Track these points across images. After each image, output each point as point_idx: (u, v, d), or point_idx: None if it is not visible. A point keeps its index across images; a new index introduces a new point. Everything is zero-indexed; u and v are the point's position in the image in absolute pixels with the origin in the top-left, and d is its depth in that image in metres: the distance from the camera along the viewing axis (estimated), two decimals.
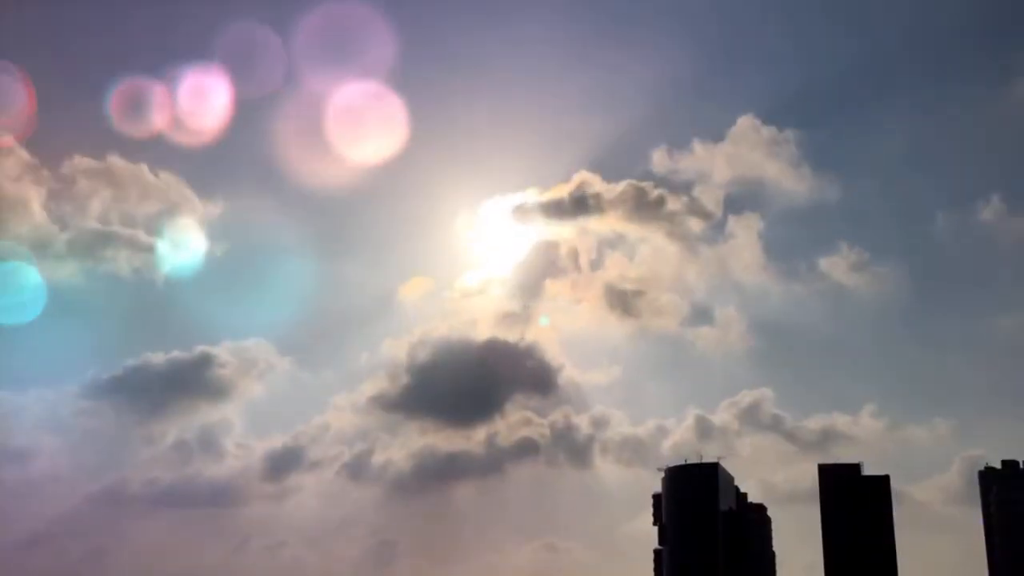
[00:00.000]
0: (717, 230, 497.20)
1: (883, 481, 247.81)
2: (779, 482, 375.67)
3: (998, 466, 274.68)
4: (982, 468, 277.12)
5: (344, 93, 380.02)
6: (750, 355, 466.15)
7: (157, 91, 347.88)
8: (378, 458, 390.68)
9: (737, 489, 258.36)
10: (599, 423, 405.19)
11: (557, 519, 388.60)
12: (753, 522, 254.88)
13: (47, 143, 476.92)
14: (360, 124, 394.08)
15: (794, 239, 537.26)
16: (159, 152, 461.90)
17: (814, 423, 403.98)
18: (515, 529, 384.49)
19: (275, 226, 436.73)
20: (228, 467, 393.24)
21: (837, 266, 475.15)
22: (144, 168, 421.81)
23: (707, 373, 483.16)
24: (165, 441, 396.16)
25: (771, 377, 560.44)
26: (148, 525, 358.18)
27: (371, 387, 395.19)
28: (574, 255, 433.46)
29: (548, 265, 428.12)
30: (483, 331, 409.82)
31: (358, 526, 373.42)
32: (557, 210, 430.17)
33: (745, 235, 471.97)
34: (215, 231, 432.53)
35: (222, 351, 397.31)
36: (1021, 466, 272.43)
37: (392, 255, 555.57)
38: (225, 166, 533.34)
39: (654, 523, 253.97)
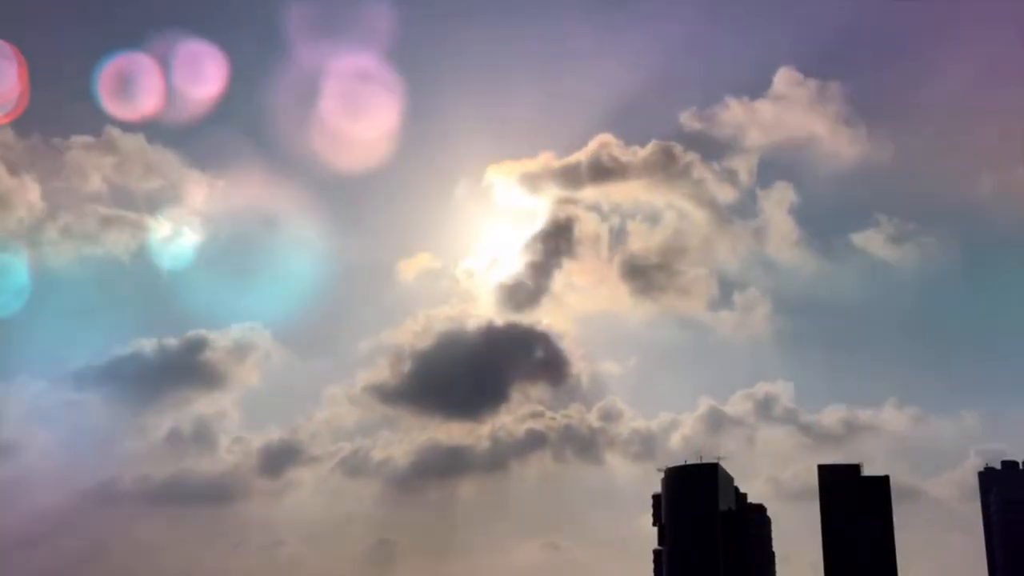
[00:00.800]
0: (750, 197, 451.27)
1: (883, 481, 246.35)
2: (788, 478, 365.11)
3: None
4: (982, 468, 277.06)
5: (341, 63, 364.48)
6: (774, 340, 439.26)
7: (150, 66, 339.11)
8: (378, 453, 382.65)
9: (737, 489, 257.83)
10: (610, 416, 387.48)
11: (561, 516, 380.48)
12: (752, 522, 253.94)
13: (39, 123, 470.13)
14: (358, 93, 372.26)
15: (832, 208, 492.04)
16: (153, 130, 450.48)
17: (833, 416, 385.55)
18: (518, 527, 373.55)
19: (272, 206, 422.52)
20: (224, 462, 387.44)
21: (873, 240, 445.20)
22: (139, 146, 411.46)
23: (728, 360, 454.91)
24: (158, 434, 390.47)
25: (793, 365, 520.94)
26: (142, 522, 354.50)
27: (371, 377, 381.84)
28: (592, 229, 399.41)
29: (563, 240, 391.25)
30: (490, 315, 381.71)
31: (357, 523, 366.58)
32: (573, 178, 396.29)
33: (777, 208, 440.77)
34: (210, 211, 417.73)
35: (218, 337, 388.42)
36: (1021, 466, 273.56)
37: (394, 232, 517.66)
38: (220, 144, 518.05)
39: (654, 523, 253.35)
